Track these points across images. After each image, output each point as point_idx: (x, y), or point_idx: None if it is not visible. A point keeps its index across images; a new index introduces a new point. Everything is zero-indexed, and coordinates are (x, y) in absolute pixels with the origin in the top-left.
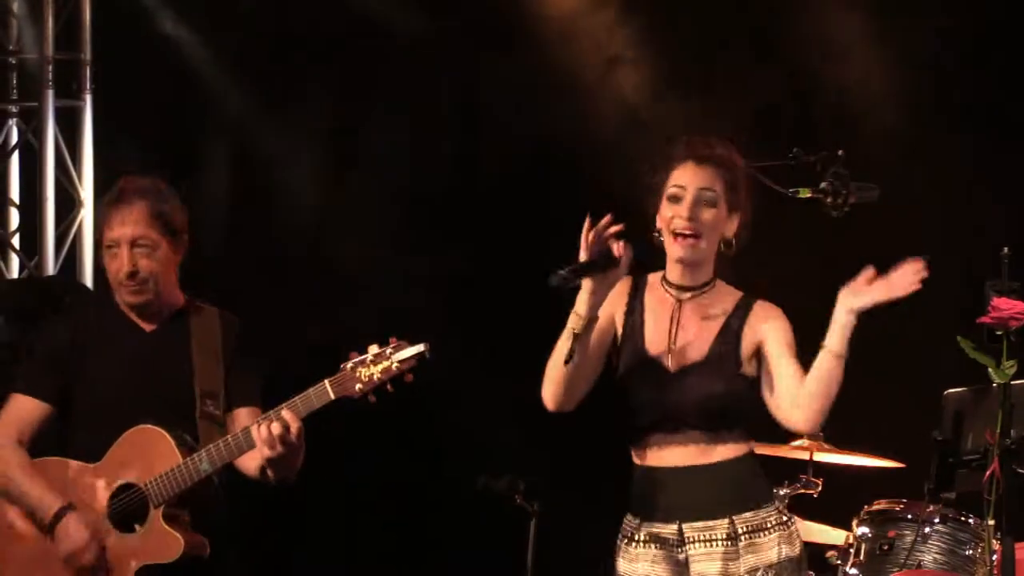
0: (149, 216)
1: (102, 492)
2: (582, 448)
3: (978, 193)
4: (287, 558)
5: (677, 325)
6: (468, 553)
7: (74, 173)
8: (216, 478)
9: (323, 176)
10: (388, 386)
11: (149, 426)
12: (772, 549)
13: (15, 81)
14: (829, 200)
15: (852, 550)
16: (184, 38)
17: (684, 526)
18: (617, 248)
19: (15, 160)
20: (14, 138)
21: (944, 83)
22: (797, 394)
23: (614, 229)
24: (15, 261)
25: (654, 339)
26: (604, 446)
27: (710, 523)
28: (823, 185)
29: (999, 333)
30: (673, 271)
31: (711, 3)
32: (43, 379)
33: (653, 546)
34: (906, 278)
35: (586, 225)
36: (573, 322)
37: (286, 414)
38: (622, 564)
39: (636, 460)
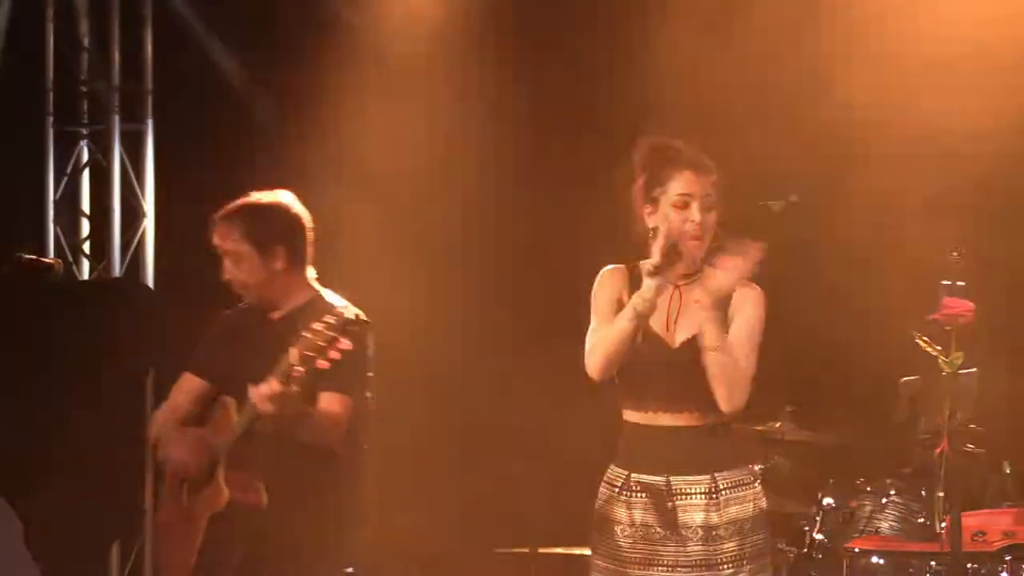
0: (238, 233)
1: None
2: (582, 424)
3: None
4: None
5: (677, 309)
6: (478, 520)
7: (137, 188)
8: (260, 441)
9: (353, 187)
10: (332, 352)
11: (227, 397)
12: (748, 504)
13: (85, 107)
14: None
15: (818, 518)
16: (232, 67)
17: (672, 478)
18: (684, 248)
19: (86, 177)
20: (84, 157)
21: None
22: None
23: (676, 234)
24: (86, 265)
25: (657, 322)
26: (600, 423)
27: (695, 478)
28: (792, 199)
29: (948, 328)
30: None
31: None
32: (202, 360)
33: (645, 494)
34: (732, 260)
35: (663, 233)
36: (641, 305)
37: (269, 379)
38: (617, 511)
39: (629, 419)
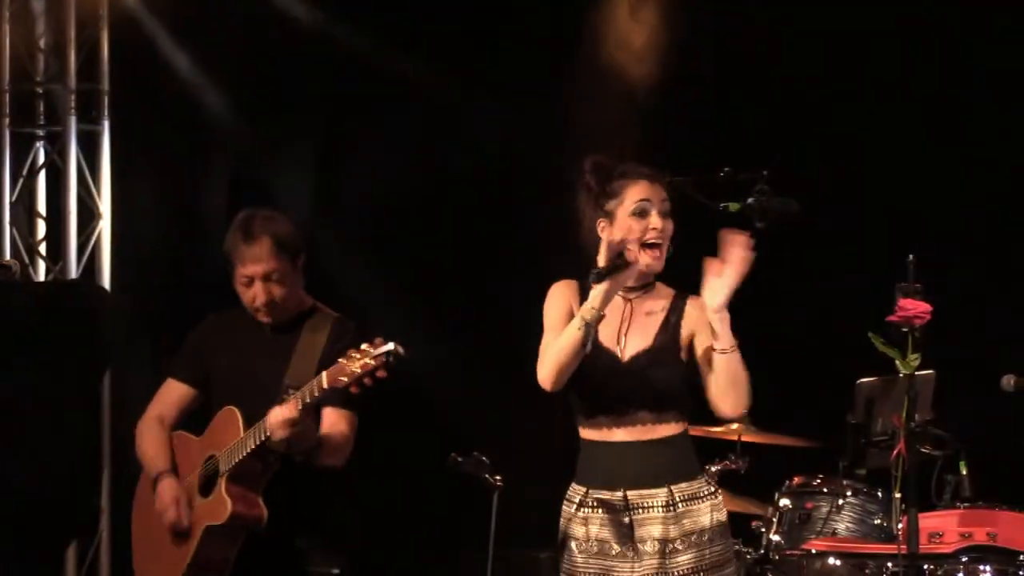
0: (274, 249)
1: (198, 461)
2: (539, 428)
3: (887, 204)
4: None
5: (627, 322)
6: (436, 524)
7: (94, 189)
8: (272, 459)
9: (309, 188)
10: (366, 379)
11: (232, 407)
12: (705, 516)
13: (42, 108)
14: (756, 214)
15: (775, 520)
16: (188, 70)
17: (628, 493)
18: (630, 255)
19: (42, 178)
20: (41, 158)
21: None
22: (716, 388)
23: (626, 241)
24: (42, 266)
25: (607, 334)
26: (557, 427)
27: (651, 491)
28: (749, 200)
29: (905, 330)
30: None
31: None
32: (187, 367)
33: (601, 510)
34: (738, 254)
35: (606, 240)
36: (589, 314)
37: (288, 401)
38: (575, 528)
39: (585, 436)
